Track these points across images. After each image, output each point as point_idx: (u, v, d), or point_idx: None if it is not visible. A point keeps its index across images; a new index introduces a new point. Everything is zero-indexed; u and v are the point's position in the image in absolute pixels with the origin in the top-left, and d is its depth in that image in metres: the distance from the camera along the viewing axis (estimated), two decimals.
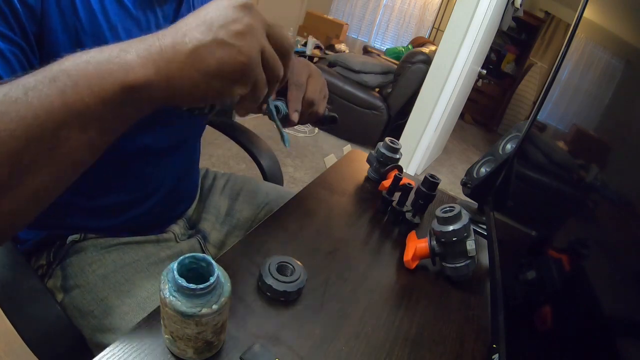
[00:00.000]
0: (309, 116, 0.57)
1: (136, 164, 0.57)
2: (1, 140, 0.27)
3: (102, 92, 0.29)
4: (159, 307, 0.37)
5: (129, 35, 0.46)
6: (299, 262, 0.47)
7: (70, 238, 0.57)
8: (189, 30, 0.32)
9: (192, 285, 0.30)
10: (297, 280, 0.45)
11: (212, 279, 0.31)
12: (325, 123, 0.63)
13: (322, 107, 0.58)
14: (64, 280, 0.55)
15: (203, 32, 0.32)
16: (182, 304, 0.31)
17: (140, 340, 0.35)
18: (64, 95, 0.28)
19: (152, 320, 0.38)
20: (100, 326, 0.51)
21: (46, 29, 0.40)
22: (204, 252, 0.69)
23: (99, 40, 0.43)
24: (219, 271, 0.33)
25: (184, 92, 0.33)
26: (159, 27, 0.48)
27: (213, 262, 0.33)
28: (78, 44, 0.41)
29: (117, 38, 0.44)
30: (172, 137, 0.59)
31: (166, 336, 0.34)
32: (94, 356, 0.56)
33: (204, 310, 0.31)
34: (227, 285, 0.33)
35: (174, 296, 0.31)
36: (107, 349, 0.34)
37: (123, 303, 0.52)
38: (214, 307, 0.31)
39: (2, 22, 0.35)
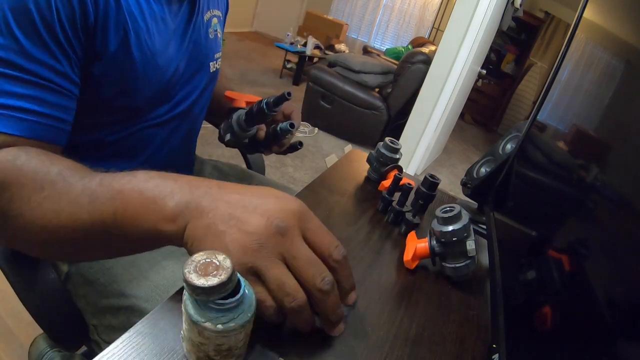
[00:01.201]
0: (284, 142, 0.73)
1: (150, 130, 0.64)
2: (66, 231, 0.37)
3: (138, 226, 0.35)
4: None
5: (159, 31, 0.55)
6: None
7: None
8: (228, 240, 0.33)
9: (201, 297, 0.29)
10: None
11: (230, 300, 0.29)
12: (292, 150, 0.78)
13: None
14: None
15: (238, 251, 0.32)
16: (192, 307, 0.30)
17: (141, 339, 0.35)
18: (114, 215, 0.36)
19: (152, 321, 0.38)
20: (106, 292, 0.57)
21: (100, 28, 0.48)
22: None
23: (140, 38, 0.52)
24: (243, 297, 0.30)
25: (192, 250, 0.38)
26: (174, 20, 0.58)
27: (243, 284, 0.31)
28: (125, 41, 0.51)
29: (150, 36, 0.54)
30: (177, 108, 0.67)
31: (184, 326, 0.33)
32: (89, 331, 0.57)
33: (207, 324, 0.29)
34: (246, 315, 0.30)
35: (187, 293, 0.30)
36: (108, 349, 0.34)
37: (127, 272, 0.57)
38: (219, 326, 0.29)
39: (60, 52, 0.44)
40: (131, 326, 0.35)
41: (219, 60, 0.75)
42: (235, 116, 0.69)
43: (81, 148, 0.56)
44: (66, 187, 0.37)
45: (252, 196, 0.35)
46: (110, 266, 0.58)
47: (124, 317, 0.55)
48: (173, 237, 0.35)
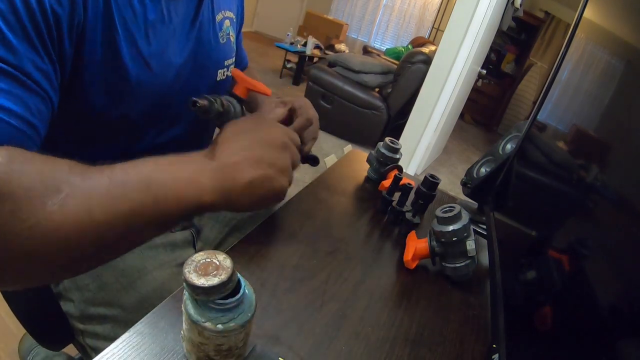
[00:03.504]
0: None
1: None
2: (101, 229, 0.34)
3: (184, 202, 0.38)
4: (157, 305, 0.39)
5: (155, 34, 0.49)
6: None
7: None
8: (244, 165, 0.43)
9: (201, 297, 0.29)
10: None
11: (230, 300, 0.30)
12: (306, 161, 0.70)
13: (308, 149, 0.65)
14: None
15: (255, 167, 0.43)
16: (192, 307, 0.30)
17: (141, 339, 0.35)
18: (156, 203, 0.37)
19: (152, 321, 0.38)
20: (93, 299, 0.55)
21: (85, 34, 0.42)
22: (194, 247, 0.68)
23: (132, 43, 0.46)
24: (243, 297, 0.30)
25: (239, 207, 0.43)
26: (175, 18, 0.52)
27: (243, 284, 0.31)
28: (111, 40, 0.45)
29: (145, 40, 0.48)
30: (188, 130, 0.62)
31: (184, 325, 0.33)
32: (74, 336, 0.57)
33: (207, 324, 0.29)
34: (246, 315, 0.31)
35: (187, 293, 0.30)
36: (108, 348, 0.34)
37: (117, 281, 0.55)
38: (219, 326, 0.29)
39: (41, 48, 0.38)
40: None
41: (231, 67, 0.66)
42: (224, 100, 0.54)
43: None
44: (87, 183, 0.34)
45: (255, 145, 0.44)
46: (100, 273, 0.56)
47: (109, 327, 0.54)
48: (213, 204, 0.40)
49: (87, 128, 0.49)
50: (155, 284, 0.56)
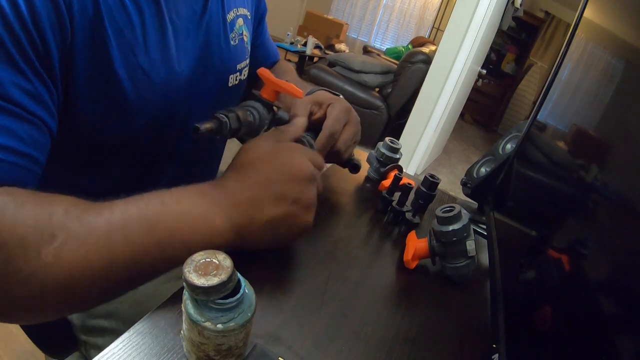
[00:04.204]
0: (331, 158, 0.61)
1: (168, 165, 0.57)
2: (100, 277, 0.33)
3: (192, 246, 0.35)
4: (157, 305, 0.39)
5: (155, 41, 0.45)
6: None
7: None
8: (264, 202, 0.39)
9: (201, 297, 0.29)
10: None
11: (230, 300, 0.29)
12: (345, 167, 0.68)
13: (348, 154, 0.62)
14: None
15: (277, 205, 0.39)
16: (192, 306, 0.30)
17: (141, 338, 0.35)
18: (160, 246, 0.35)
19: (152, 320, 0.38)
20: (93, 311, 0.55)
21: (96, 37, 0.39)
22: None
23: (128, 54, 0.42)
24: (243, 297, 0.30)
25: (255, 246, 0.41)
26: (176, 23, 0.47)
27: (243, 283, 0.31)
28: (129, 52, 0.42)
29: (143, 49, 0.44)
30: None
31: (184, 325, 0.33)
32: (78, 343, 0.57)
33: (207, 324, 0.29)
34: (246, 315, 0.30)
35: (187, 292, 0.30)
36: (108, 348, 0.34)
37: None
38: (219, 326, 0.29)
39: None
40: None
41: (245, 70, 0.61)
42: (241, 111, 0.48)
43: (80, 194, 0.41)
44: (84, 228, 0.32)
45: (273, 179, 0.40)
46: None
47: (109, 339, 0.53)
48: (227, 243, 0.38)
49: (82, 149, 0.46)
50: (157, 297, 0.54)
